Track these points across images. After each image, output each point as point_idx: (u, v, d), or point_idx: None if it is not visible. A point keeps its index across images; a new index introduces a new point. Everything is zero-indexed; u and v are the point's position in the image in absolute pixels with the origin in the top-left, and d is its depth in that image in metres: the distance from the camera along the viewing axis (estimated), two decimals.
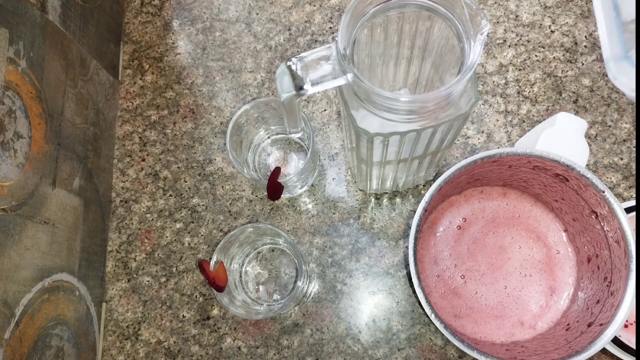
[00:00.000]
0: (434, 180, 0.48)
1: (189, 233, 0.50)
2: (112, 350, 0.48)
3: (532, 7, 0.52)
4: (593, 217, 0.38)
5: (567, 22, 0.51)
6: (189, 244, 0.49)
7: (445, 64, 0.34)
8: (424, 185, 0.48)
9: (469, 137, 0.49)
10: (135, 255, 0.50)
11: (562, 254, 0.43)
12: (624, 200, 0.46)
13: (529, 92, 0.50)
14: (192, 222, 0.50)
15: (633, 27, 0.40)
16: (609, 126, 0.48)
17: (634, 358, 0.40)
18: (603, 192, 0.36)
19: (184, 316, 0.48)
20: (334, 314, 0.47)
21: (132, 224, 0.50)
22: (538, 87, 0.50)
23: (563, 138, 0.39)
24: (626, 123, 0.48)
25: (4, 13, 0.37)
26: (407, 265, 0.47)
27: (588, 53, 0.50)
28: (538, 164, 0.38)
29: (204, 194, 0.50)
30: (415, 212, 0.48)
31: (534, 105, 0.49)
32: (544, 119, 0.49)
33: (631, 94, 0.40)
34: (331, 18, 0.54)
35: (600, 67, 0.50)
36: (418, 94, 0.41)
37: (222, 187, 0.50)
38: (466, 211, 0.44)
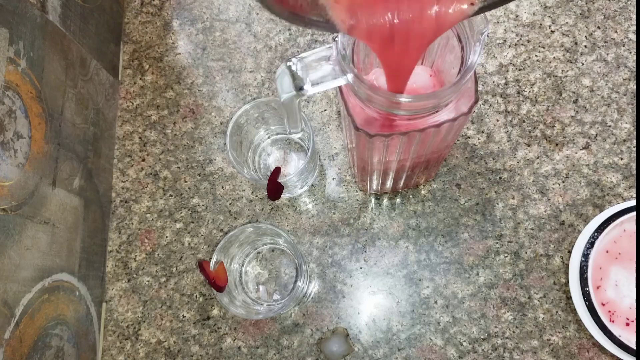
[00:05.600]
0: (433, 180, 0.48)
1: (189, 233, 0.50)
2: (112, 350, 0.48)
3: (532, 7, 0.52)
4: None
5: (567, 22, 0.51)
6: (189, 244, 0.49)
7: (445, 64, 0.34)
8: (423, 185, 0.48)
9: (469, 137, 0.49)
10: (135, 255, 0.50)
11: None
12: (624, 200, 0.46)
13: (529, 92, 0.50)
14: (192, 222, 0.50)
15: None
16: (609, 126, 0.48)
17: (634, 358, 0.40)
18: None
19: (184, 316, 0.48)
20: (334, 314, 0.47)
21: (132, 224, 0.50)
22: (538, 87, 0.50)
23: None
24: (626, 123, 0.48)
25: (4, 13, 0.37)
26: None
27: (588, 53, 0.50)
28: None
29: (204, 194, 0.50)
30: (415, 212, 0.48)
31: (534, 105, 0.49)
32: (544, 119, 0.49)
33: None
34: None
35: (600, 67, 0.50)
36: None
37: (222, 187, 0.50)
38: None
